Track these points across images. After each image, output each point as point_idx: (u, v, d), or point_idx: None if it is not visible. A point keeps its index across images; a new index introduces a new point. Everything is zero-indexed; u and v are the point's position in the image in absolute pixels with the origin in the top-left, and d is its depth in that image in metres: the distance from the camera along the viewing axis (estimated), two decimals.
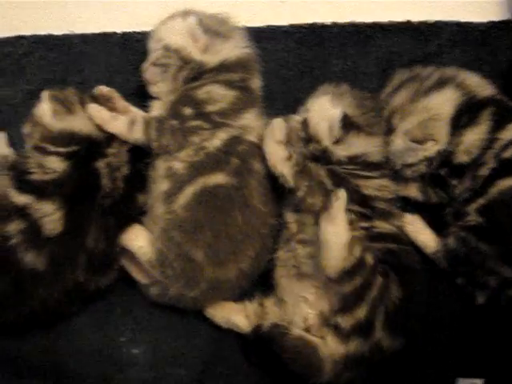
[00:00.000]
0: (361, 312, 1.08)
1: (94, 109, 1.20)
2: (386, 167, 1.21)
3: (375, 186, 1.16)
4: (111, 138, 1.20)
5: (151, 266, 1.18)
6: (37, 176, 1.14)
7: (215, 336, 1.27)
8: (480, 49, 1.40)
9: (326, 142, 1.17)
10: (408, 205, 1.29)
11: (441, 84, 1.20)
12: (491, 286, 1.20)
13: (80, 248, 1.15)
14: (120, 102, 1.28)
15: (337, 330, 1.10)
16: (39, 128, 1.19)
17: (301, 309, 1.15)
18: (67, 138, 1.17)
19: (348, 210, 1.09)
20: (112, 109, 1.24)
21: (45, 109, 1.18)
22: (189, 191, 1.15)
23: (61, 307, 1.18)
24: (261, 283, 1.21)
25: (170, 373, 1.26)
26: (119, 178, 1.19)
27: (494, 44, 1.40)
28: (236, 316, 1.22)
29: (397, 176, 1.24)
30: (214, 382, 1.26)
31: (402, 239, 1.19)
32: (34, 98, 1.30)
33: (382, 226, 1.15)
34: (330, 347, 1.11)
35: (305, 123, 1.19)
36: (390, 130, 1.21)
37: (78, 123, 1.18)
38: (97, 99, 1.24)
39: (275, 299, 1.20)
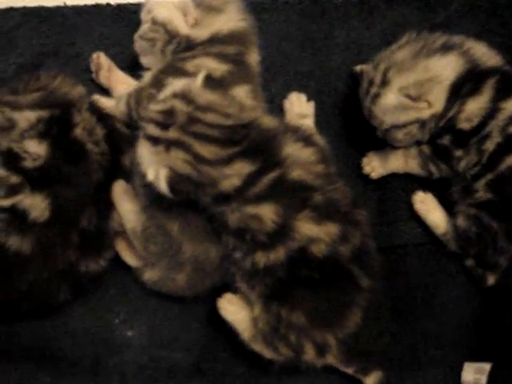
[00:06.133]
0: None
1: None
2: None
3: None
4: (67, 110, 1.15)
5: (135, 237, 1.15)
6: (29, 163, 1.09)
7: (212, 319, 1.23)
8: (490, 20, 1.34)
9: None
10: (418, 182, 1.27)
11: (446, 48, 1.16)
12: (502, 266, 1.18)
13: (73, 229, 1.11)
14: (117, 73, 1.28)
15: None
16: None
17: None
18: (26, 129, 1.12)
19: None
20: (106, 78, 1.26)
21: None
22: None
23: (51, 292, 1.14)
24: None
25: (166, 356, 1.23)
26: (100, 139, 1.15)
27: (504, 15, 1.34)
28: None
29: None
30: (211, 366, 1.23)
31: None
32: (25, 71, 1.28)
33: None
34: None
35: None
36: (383, 83, 1.16)
37: (23, 124, 1.12)
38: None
39: None
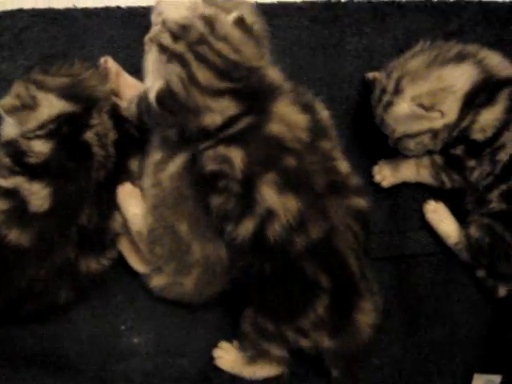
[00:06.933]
0: None
1: None
2: None
3: None
4: (89, 109, 1.14)
5: (140, 240, 1.14)
6: (32, 160, 1.09)
7: (219, 326, 1.24)
8: (503, 29, 1.33)
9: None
10: (429, 191, 1.26)
11: (460, 58, 1.15)
12: None
13: (71, 223, 1.11)
14: (125, 77, 1.26)
15: None
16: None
17: None
18: (42, 125, 1.11)
19: None
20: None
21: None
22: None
23: (51, 291, 1.13)
24: None
25: (173, 363, 1.23)
26: (109, 144, 1.15)
27: None
28: None
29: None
30: (218, 373, 1.22)
31: None
32: None
33: None
34: None
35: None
36: (396, 92, 1.14)
37: (44, 111, 1.12)
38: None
39: None
